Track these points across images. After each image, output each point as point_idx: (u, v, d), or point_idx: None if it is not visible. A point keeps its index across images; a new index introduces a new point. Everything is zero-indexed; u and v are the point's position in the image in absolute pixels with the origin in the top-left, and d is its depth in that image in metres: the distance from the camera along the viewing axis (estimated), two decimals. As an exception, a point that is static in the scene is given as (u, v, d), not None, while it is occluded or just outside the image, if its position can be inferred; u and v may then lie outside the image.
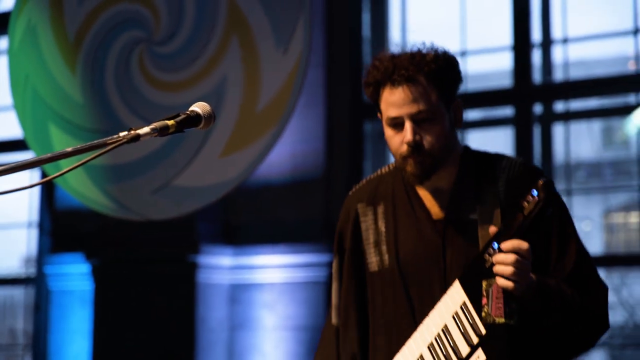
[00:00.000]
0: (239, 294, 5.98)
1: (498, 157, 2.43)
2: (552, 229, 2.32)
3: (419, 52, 2.35)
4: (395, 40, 6.31)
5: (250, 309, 5.93)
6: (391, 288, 2.38)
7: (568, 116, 5.93)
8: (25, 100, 6.47)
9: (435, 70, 2.32)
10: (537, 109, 5.74)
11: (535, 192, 2.13)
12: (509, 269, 2.12)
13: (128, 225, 5.99)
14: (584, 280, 2.30)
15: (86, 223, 6.29)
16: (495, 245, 2.16)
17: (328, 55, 5.99)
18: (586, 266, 2.33)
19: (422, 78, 2.31)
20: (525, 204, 2.13)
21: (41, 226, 6.82)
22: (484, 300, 2.16)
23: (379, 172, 2.56)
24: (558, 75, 5.86)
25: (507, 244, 2.14)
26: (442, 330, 2.22)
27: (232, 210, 6.09)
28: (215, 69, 5.79)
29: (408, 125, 2.31)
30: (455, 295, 2.21)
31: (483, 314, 2.15)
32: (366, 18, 6.17)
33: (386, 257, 2.40)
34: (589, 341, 2.32)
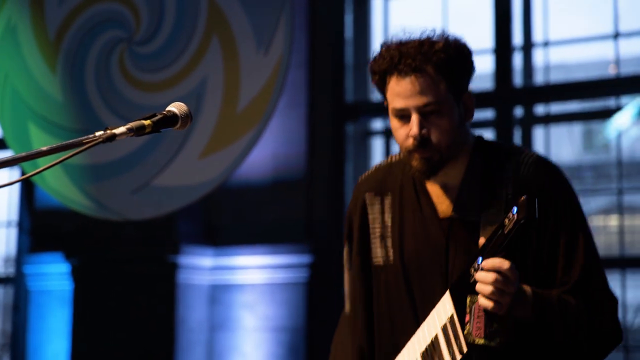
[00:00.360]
0: (219, 294, 5.97)
1: (511, 151, 2.31)
2: (559, 235, 2.22)
3: (428, 39, 2.23)
4: (377, 43, 6.32)
5: (231, 310, 5.92)
6: (395, 284, 2.30)
7: (548, 119, 5.95)
8: (4, 99, 6.43)
9: (445, 60, 2.20)
10: (518, 111, 5.77)
11: (515, 210, 2.00)
12: (488, 289, 2.03)
13: (108, 225, 5.97)
14: (591, 291, 2.19)
15: (66, 223, 6.26)
16: (480, 260, 2.07)
17: (310, 56, 5.99)
18: (594, 276, 2.21)
19: (430, 68, 2.19)
20: (507, 221, 2.02)
21: (20, 225, 6.78)
22: (467, 317, 2.08)
23: (389, 159, 2.45)
24: (539, 78, 5.89)
25: (487, 263, 2.04)
26: (433, 341, 2.15)
27: (213, 210, 6.08)
28: (196, 69, 5.78)
29: (414, 118, 2.21)
30: (446, 306, 2.14)
31: (465, 331, 2.07)
32: (349, 20, 6.18)
33: (391, 252, 2.32)
34: (598, 356, 2.22)
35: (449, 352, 2.10)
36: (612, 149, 6.05)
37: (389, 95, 2.26)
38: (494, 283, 2.02)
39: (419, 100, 2.19)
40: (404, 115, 2.23)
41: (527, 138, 5.71)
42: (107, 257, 6.04)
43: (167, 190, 5.80)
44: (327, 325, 5.86)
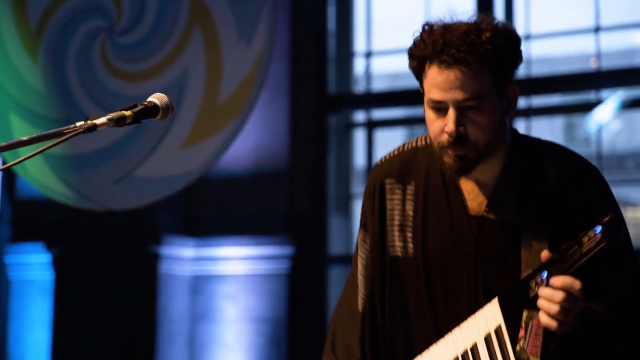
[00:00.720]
0: (200, 285, 5.98)
1: (550, 150, 2.14)
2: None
3: (476, 26, 2.01)
4: (359, 35, 6.33)
5: (212, 301, 5.93)
6: (413, 279, 2.15)
7: (530, 112, 5.99)
8: (-14, 89, 6.40)
9: (491, 52, 1.99)
10: (499, 104, 5.79)
11: (598, 229, 1.83)
12: (554, 308, 1.88)
13: (89, 215, 5.96)
14: (638, 306, 2.06)
15: (47, 212, 6.25)
16: (545, 275, 1.90)
17: (293, 48, 5.99)
18: (637, 281, 2.07)
19: (475, 61, 1.98)
20: (585, 239, 1.85)
21: (1, 215, 6.75)
22: (522, 333, 1.93)
23: (414, 143, 2.24)
24: (520, 71, 5.91)
25: (557, 281, 1.88)
26: (471, 349, 2.01)
27: (195, 201, 6.08)
28: (178, 60, 5.77)
29: (452, 113, 2.01)
30: (491, 315, 1.99)
31: (518, 347, 1.93)
32: (331, 12, 6.18)
33: (411, 246, 2.15)
34: None
35: None
36: (592, 142, 6.09)
37: (426, 84, 2.05)
38: (562, 302, 1.88)
39: (459, 95, 1.99)
40: (440, 108, 2.03)
41: (508, 131, 5.74)
42: (89, 247, 6.03)
43: (148, 181, 5.80)
44: (309, 317, 5.89)
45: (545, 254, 1.92)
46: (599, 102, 5.75)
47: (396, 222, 2.18)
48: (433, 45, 2.00)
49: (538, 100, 6.01)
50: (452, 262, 2.10)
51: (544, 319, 1.90)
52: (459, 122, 2.00)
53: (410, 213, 2.17)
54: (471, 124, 2.01)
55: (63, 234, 6.14)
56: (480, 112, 2.01)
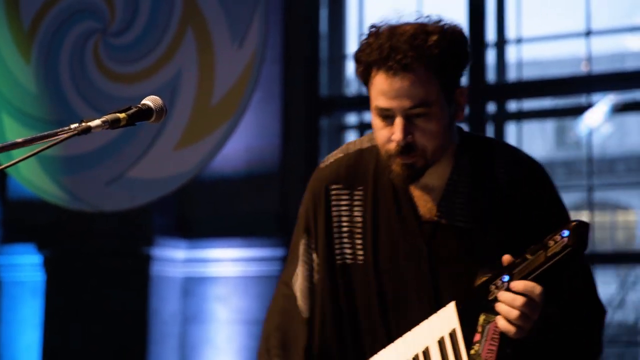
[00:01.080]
0: (192, 287, 5.98)
1: (498, 148, 2.12)
2: None
3: (422, 30, 1.97)
4: (351, 37, 6.35)
5: (204, 302, 5.93)
6: (363, 286, 2.10)
7: (521, 116, 6.01)
8: (-23, 89, 6.39)
9: (439, 56, 1.95)
10: (491, 108, 5.81)
11: (565, 233, 1.82)
12: (514, 313, 1.86)
13: (81, 216, 5.96)
14: (582, 304, 2.05)
15: (39, 214, 6.24)
16: (506, 278, 1.88)
17: (285, 50, 6.00)
18: (586, 287, 2.06)
19: (422, 66, 1.94)
20: (551, 242, 1.84)
21: (-7, 216, 6.75)
22: (477, 337, 1.90)
23: (358, 144, 2.18)
24: (511, 75, 5.94)
25: (518, 285, 1.86)
26: (423, 352, 1.96)
27: (187, 203, 6.09)
28: (170, 61, 5.78)
29: (399, 121, 1.96)
30: (445, 319, 1.95)
31: (472, 351, 1.90)
32: (324, 14, 6.19)
33: (361, 252, 2.10)
34: None
35: None
36: (583, 146, 6.11)
37: (372, 91, 2.00)
38: (522, 307, 1.86)
39: (406, 103, 1.95)
40: (387, 116, 1.98)
41: (500, 134, 5.76)
42: (81, 248, 6.02)
43: (141, 182, 5.80)
44: (300, 318, 5.89)
45: (507, 258, 1.90)
46: (590, 105, 5.78)
47: (344, 229, 2.12)
48: (379, 50, 1.96)
49: (529, 104, 6.03)
50: (404, 269, 2.06)
51: (502, 323, 1.88)
52: (406, 130, 1.96)
53: (359, 219, 2.11)
54: (419, 131, 1.97)
55: (55, 235, 6.14)
56: (428, 119, 1.97)
